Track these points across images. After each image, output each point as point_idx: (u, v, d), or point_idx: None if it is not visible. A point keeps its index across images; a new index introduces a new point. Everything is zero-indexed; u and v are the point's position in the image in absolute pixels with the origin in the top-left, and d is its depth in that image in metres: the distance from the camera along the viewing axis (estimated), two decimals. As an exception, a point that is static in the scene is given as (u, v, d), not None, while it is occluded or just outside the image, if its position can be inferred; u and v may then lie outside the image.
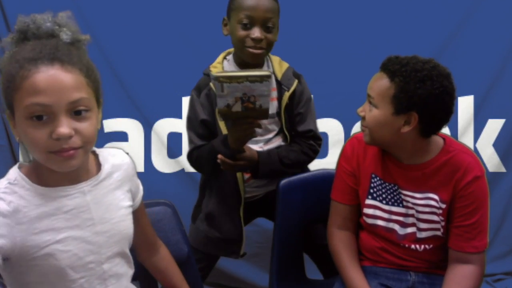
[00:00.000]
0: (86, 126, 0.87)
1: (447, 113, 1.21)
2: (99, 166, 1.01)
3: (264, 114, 1.35)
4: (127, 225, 1.04)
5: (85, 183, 0.96)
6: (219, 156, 1.45)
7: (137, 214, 1.10)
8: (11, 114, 0.87)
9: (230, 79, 1.25)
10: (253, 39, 1.45)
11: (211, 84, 1.54)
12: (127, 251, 1.05)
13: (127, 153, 1.12)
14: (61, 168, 0.88)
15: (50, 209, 0.91)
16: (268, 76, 1.26)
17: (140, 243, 1.16)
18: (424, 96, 1.17)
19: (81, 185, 0.95)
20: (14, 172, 0.92)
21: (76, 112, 0.85)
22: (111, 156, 1.04)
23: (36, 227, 0.89)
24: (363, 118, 1.30)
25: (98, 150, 1.03)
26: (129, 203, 1.06)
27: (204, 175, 1.68)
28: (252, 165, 1.51)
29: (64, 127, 0.83)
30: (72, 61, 0.85)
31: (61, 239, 0.91)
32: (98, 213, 0.97)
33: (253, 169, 1.53)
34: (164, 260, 1.22)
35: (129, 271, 1.07)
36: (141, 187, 1.14)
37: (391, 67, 1.21)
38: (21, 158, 2.25)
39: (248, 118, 1.34)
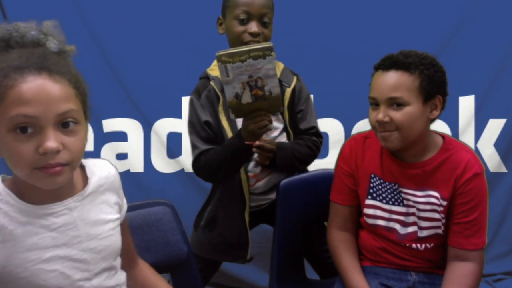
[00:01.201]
0: (74, 141, 0.81)
1: None
2: (85, 179, 0.96)
3: (276, 104, 1.34)
4: (115, 239, 0.99)
5: (72, 198, 0.91)
6: (256, 143, 1.43)
7: (121, 230, 1.05)
8: None
9: (233, 56, 1.23)
10: (251, 34, 1.47)
11: (211, 83, 1.54)
12: (115, 263, 1.01)
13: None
14: (46, 185, 0.82)
15: (36, 227, 0.85)
16: (270, 49, 1.24)
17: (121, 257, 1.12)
18: (441, 77, 1.25)
19: (68, 201, 0.90)
20: None
21: (63, 124, 0.80)
22: (97, 168, 0.99)
23: (22, 246, 0.84)
24: (386, 123, 1.24)
25: (84, 162, 0.98)
26: (117, 215, 1.01)
27: (211, 180, 1.63)
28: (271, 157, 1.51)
29: (52, 141, 0.77)
30: (61, 71, 0.80)
31: (47, 259, 0.86)
32: (85, 230, 0.92)
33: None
34: (142, 271, 1.15)
35: (120, 280, 1.03)
36: (125, 201, 1.08)
37: (404, 61, 1.22)
38: None
39: (260, 111, 1.34)
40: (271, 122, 1.40)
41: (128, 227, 1.12)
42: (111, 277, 1.00)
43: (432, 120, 1.28)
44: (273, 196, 1.63)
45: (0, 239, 0.82)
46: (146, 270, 1.17)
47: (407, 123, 1.23)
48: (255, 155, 1.53)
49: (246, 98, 1.30)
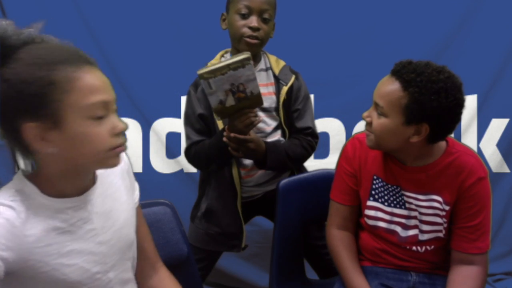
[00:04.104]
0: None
1: (456, 122, 1.20)
2: (93, 173, 0.98)
3: (258, 100, 1.38)
4: (128, 231, 1.01)
5: (88, 192, 0.93)
6: (226, 133, 1.44)
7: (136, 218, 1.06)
8: (48, 123, 0.82)
9: (214, 73, 1.28)
10: (251, 28, 1.50)
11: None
12: (130, 255, 1.03)
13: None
14: (115, 164, 0.90)
15: (57, 221, 0.88)
16: (248, 59, 1.29)
17: (138, 259, 1.09)
18: (438, 109, 1.14)
19: (85, 195, 0.93)
20: (19, 180, 0.88)
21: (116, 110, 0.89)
22: None
23: (43, 241, 0.85)
24: (368, 124, 1.26)
25: None
26: (130, 200, 1.04)
27: (202, 170, 1.69)
28: (258, 155, 1.51)
29: (122, 122, 0.87)
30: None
31: (66, 253, 0.88)
32: (100, 222, 0.94)
33: (260, 159, 1.53)
34: (163, 281, 1.12)
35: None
36: (136, 185, 1.10)
37: (405, 76, 1.16)
38: (22, 165, 2.23)
39: (244, 109, 1.38)
40: (256, 116, 1.44)
41: (142, 216, 1.11)
42: (127, 270, 1.01)
43: (436, 140, 1.24)
44: (266, 188, 1.65)
45: (23, 233, 0.84)
46: (166, 281, 1.12)
47: (378, 133, 1.23)
48: None
49: (230, 101, 1.35)
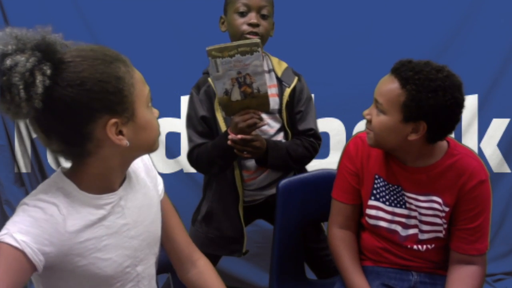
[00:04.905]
0: None
1: (455, 122, 1.20)
2: None
3: (264, 102, 1.38)
4: (157, 226, 1.03)
5: (121, 187, 0.95)
6: (230, 136, 1.44)
7: (162, 211, 1.07)
8: (125, 117, 0.86)
9: (222, 51, 1.30)
10: (250, 24, 1.51)
11: (209, 79, 1.56)
12: (157, 250, 1.05)
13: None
14: (157, 147, 0.95)
15: (95, 217, 0.90)
16: (257, 45, 1.31)
17: (172, 253, 1.10)
18: (435, 107, 1.15)
19: (119, 190, 0.95)
20: (60, 178, 0.90)
21: None
22: None
23: (82, 236, 0.88)
24: (368, 121, 1.27)
25: None
26: (157, 197, 1.05)
27: (204, 174, 1.68)
28: (260, 152, 1.50)
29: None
30: None
31: (102, 247, 0.91)
32: (132, 217, 0.96)
33: (261, 157, 1.53)
34: (203, 275, 1.11)
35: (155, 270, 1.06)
36: (159, 178, 1.11)
37: (404, 73, 1.17)
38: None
39: (249, 109, 1.39)
40: (261, 119, 1.44)
41: (172, 207, 1.12)
42: (152, 265, 1.03)
43: (436, 140, 1.23)
44: (267, 192, 1.64)
45: (65, 229, 0.86)
46: (206, 275, 1.11)
47: (377, 130, 1.23)
48: None
49: (236, 95, 1.35)
